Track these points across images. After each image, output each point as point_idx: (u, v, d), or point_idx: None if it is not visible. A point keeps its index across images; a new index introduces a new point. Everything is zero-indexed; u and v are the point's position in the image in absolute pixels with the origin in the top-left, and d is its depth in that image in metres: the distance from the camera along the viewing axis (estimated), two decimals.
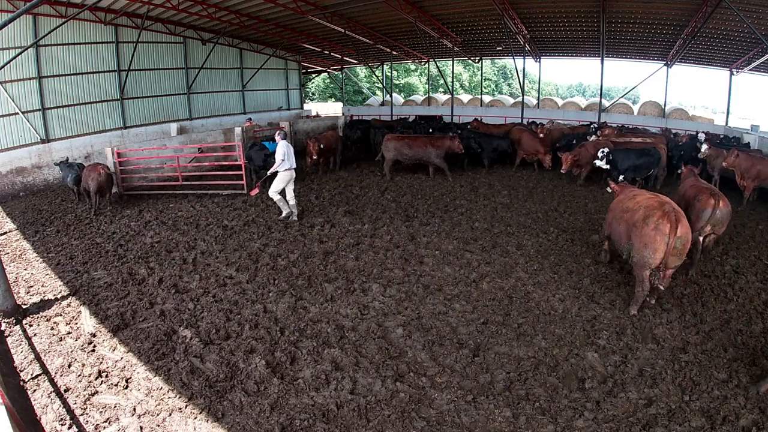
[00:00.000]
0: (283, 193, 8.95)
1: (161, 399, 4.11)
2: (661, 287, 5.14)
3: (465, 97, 27.59)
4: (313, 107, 33.19)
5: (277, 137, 8.76)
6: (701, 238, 6.32)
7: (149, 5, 14.44)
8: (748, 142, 14.12)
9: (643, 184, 10.96)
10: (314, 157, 12.77)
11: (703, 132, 15.28)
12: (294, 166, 8.78)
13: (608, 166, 10.55)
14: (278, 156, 8.53)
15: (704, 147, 11.26)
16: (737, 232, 8.44)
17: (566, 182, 11.99)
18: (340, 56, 27.18)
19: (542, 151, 13.14)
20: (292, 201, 9.01)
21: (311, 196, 11.12)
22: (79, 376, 4.43)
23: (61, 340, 5.07)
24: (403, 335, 5.03)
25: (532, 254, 7.29)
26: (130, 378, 4.41)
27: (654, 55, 19.45)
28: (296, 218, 9.06)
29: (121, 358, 4.73)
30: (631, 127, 18.58)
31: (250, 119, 18.21)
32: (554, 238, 8.01)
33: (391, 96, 26.73)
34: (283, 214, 9.14)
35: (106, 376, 4.44)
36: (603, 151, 10.56)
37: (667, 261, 5.01)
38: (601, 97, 20.45)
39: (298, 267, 6.91)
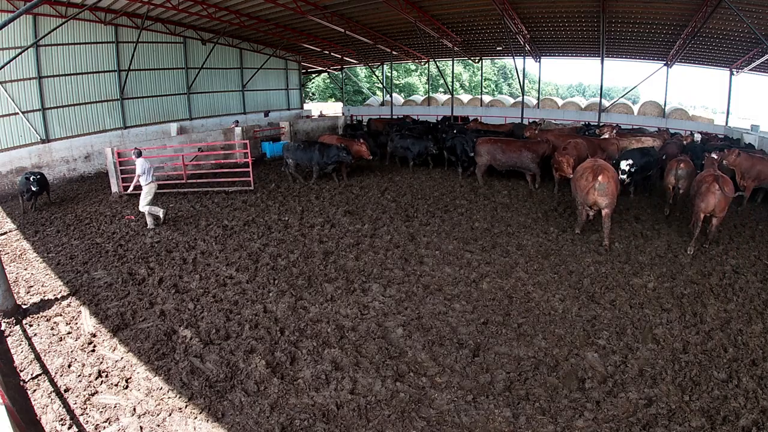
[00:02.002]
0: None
1: (161, 399, 4.11)
2: (605, 227, 7.61)
3: (465, 97, 27.58)
4: (314, 107, 33.20)
5: (133, 156, 9.06)
6: (671, 187, 9.12)
7: (149, 5, 14.44)
8: (749, 143, 14.08)
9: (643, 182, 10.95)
10: (370, 157, 12.85)
11: (698, 132, 15.25)
12: (155, 179, 9.07)
13: (628, 180, 9.53)
14: (138, 171, 8.83)
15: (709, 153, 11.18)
16: (737, 232, 8.44)
17: (566, 182, 11.96)
18: (340, 56, 27.18)
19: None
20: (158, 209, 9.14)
21: (311, 196, 11.12)
22: (79, 376, 4.43)
23: (61, 340, 5.07)
24: (403, 335, 5.03)
25: (532, 254, 7.29)
26: (130, 378, 4.41)
27: (654, 55, 19.45)
28: (162, 218, 9.21)
29: (121, 358, 4.73)
30: (630, 127, 18.57)
31: (237, 122, 18.21)
32: (554, 238, 8.01)
33: (391, 96, 26.74)
34: (154, 223, 9.02)
35: (106, 376, 4.44)
36: (629, 163, 9.57)
37: (597, 200, 7.44)
38: (601, 97, 20.46)
39: (298, 267, 6.91)
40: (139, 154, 8.98)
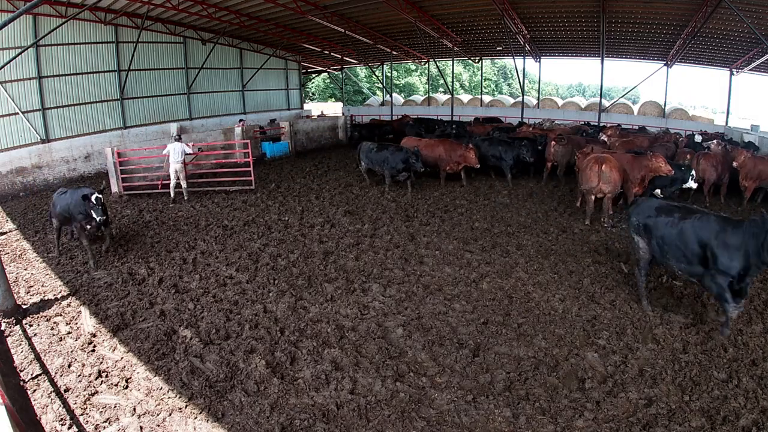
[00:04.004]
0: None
1: (161, 399, 4.11)
2: (609, 210, 8.77)
3: (465, 97, 27.57)
4: (314, 107, 33.17)
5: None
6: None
7: (149, 5, 14.43)
8: (749, 142, 14.07)
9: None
10: (478, 165, 11.45)
11: (699, 133, 15.30)
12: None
13: (696, 185, 8.98)
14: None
15: (712, 144, 11.44)
16: None
17: (566, 183, 11.98)
18: (340, 56, 27.16)
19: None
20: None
21: (311, 196, 11.12)
22: (79, 376, 4.42)
23: (61, 340, 5.07)
24: (403, 335, 5.03)
25: (532, 254, 7.29)
26: (130, 378, 4.41)
27: (654, 55, 19.44)
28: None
29: (121, 358, 4.73)
30: (630, 127, 18.56)
31: (242, 120, 18.20)
32: (554, 238, 8.01)
33: (391, 96, 26.73)
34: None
35: (106, 376, 4.44)
36: (693, 173, 8.81)
37: (602, 187, 8.39)
38: (601, 97, 20.45)
39: (298, 267, 6.91)
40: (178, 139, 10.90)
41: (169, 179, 10.90)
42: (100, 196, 6.65)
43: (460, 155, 11.32)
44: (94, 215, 6.54)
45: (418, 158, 10.71)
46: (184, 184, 10.93)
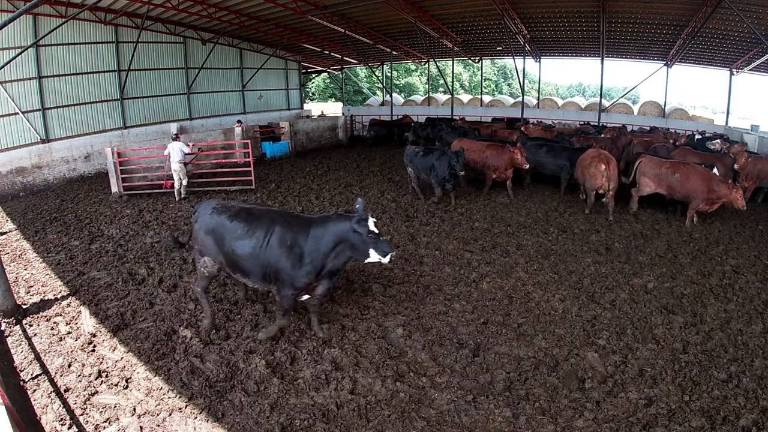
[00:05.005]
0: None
1: (161, 399, 4.11)
2: (609, 206, 8.99)
3: (465, 97, 27.56)
4: (314, 107, 33.17)
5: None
6: None
7: (149, 5, 14.43)
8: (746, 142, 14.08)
9: None
10: (527, 166, 10.26)
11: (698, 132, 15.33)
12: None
13: None
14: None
15: (717, 143, 11.42)
16: (737, 232, 8.44)
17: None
18: (340, 56, 27.16)
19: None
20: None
21: (311, 196, 11.12)
22: (79, 376, 4.42)
23: (61, 340, 5.06)
24: (403, 335, 5.03)
25: (532, 254, 7.29)
26: (130, 378, 4.40)
27: (654, 55, 19.44)
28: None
29: (121, 358, 4.73)
30: (631, 128, 18.55)
31: (240, 122, 18.21)
32: (554, 238, 8.01)
33: (391, 96, 26.72)
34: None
35: (106, 376, 4.43)
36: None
37: (604, 184, 8.85)
38: (601, 97, 20.45)
39: None
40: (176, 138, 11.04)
41: (173, 179, 11.12)
42: (375, 220, 4.21)
43: (508, 158, 10.26)
44: (376, 255, 4.04)
45: (459, 159, 9.30)
46: (184, 182, 11.05)
